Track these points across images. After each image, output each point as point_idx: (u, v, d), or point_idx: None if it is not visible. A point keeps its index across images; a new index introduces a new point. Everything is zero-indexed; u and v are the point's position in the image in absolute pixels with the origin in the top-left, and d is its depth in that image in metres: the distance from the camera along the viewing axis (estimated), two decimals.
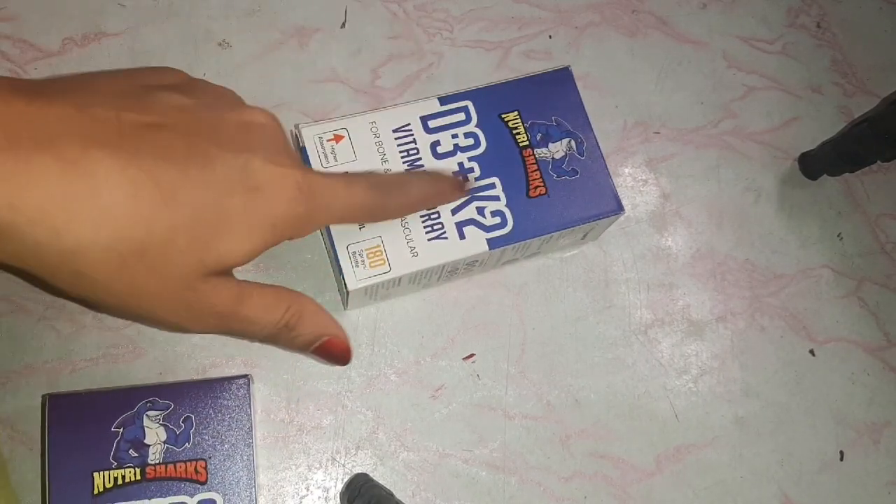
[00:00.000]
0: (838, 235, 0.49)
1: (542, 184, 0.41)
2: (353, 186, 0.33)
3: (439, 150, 0.41)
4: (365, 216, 0.35)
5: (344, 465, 0.41)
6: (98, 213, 0.25)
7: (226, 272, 0.29)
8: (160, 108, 0.28)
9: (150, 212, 0.26)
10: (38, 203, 0.24)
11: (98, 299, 0.27)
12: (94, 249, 0.25)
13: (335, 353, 0.34)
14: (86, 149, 0.25)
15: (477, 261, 0.41)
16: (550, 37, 0.50)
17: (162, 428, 0.36)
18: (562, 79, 0.43)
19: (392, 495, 0.38)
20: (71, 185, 0.24)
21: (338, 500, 0.41)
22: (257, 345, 0.42)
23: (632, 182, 0.48)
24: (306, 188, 0.30)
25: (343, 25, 0.48)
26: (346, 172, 0.35)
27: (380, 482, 0.40)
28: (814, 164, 0.49)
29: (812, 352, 0.47)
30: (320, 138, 0.40)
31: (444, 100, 0.42)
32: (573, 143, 0.42)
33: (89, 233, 0.25)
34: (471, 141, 0.42)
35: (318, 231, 0.44)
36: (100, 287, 0.26)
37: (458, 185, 0.39)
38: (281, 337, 0.32)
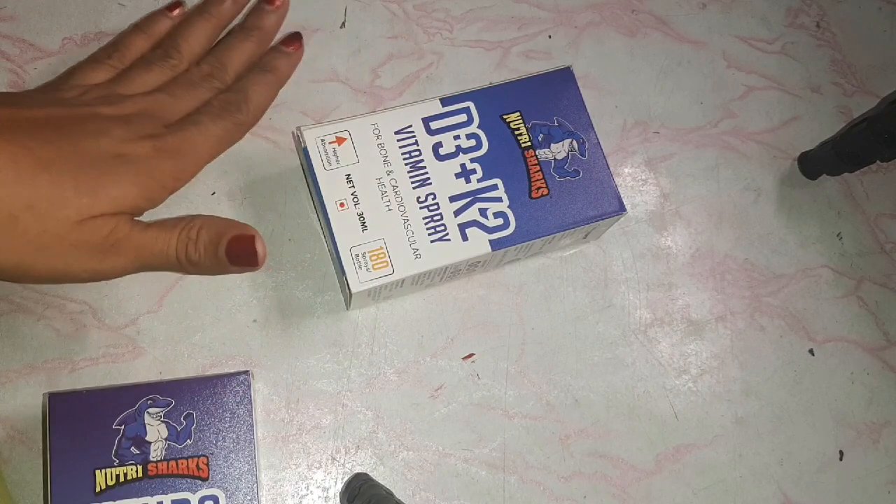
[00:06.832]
0: (838, 235, 0.50)
1: (544, 185, 0.41)
2: (206, 133, 0.37)
3: (441, 151, 0.41)
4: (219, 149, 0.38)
5: (344, 465, 0.41)
6: None
7: (120, 213, 0.34)
8: (60, 102, 0.35)
9: (31, 175, 0.31)
10: None
11: None
12: None
13: (243, 249, 0.35)
14: None
15: (479, 262, 0.41)
16: (550, 37, 0.50)
17: (163, 425, 0.36)
18: (563, 79, 0.43)
19: (392, 495, 0.38)
20: None
21: (337, 499, 0.41)
22: (257, 344, 0.42)
23: (631, 182, 0.48)
24: (164, 147, 0.35)
25: (343, 25, 0.48)
26: None
27: (379, 482, 0.40)
28: (813, 164, 0.49)
29: (811, 351, 0.47)
30: (322, 140, 0.40)
31: (445, 101, 0.42)
32: (575, 143, 0.42)
33: None
34: (473, 142, 0.42)
35: (319, 231, 0.44)
36: None
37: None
38: (189, 254, 0.35)
